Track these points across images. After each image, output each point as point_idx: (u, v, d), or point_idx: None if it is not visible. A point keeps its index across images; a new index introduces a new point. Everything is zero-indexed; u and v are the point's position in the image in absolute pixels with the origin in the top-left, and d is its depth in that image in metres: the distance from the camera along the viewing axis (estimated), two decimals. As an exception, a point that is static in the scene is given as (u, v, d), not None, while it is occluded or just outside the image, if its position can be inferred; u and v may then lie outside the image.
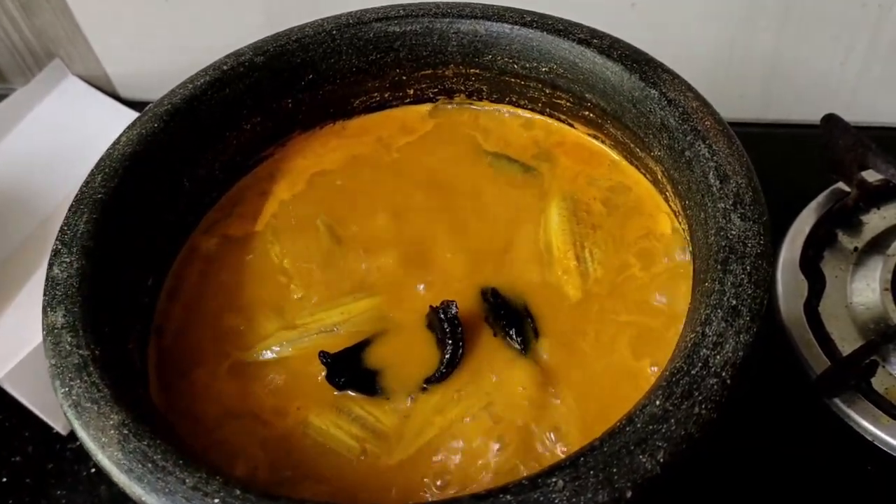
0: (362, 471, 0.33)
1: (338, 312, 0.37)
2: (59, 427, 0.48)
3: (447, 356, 0.34)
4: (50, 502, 0.45)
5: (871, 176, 0.50)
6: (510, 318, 0.36)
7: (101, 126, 0.60)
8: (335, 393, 0.35)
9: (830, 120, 0.51)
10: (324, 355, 0.35)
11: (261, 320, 0.38)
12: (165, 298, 0.39)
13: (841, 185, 0.51)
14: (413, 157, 0.44)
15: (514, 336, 0.35)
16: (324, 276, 0.39)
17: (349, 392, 0.35)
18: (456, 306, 0.34)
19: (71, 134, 0.64)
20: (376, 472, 0.33)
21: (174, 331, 0.38)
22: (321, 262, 0.40)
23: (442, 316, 0.34)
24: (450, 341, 0.34)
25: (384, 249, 0.40)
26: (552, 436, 0.33)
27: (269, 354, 0.37)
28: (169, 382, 0.36)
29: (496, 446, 0.33)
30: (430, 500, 0.32)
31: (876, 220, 0.50)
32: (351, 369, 0.35)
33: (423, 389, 0.34)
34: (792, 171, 0.52)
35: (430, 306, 0.35)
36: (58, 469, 0.47)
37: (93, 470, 0.46)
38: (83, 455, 0.45)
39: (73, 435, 0.47)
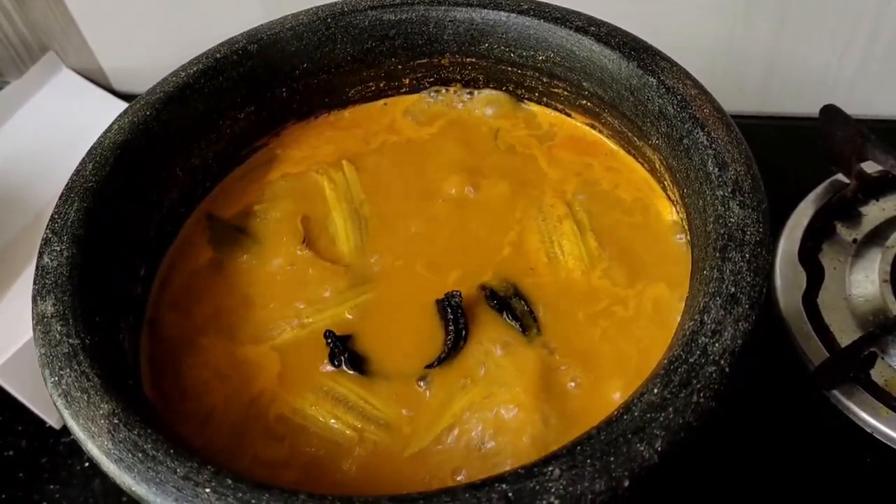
0: (371, 461, 0.33)
1: (345, 308, 0.37)
2: (53, 421, 0.47)
3: (449, 341, 0.35)
4: (43, 497, 0.45)
5: (870, 167, 0.50)
6: (505, 304, 0.36)
7: (96, 119, 0.59)
8: (333, 370, 0.35)
9: (829, 111, 0.50)
10: (329, 334, 0.35)
11: (257, 314, 0.37)
12: (159, 288, 0.39)
13: (840, 176, 0.51)
14: (402, 154, 0.44)
15: (510, 319, 0.36)
16: (314, 271, 0.39)
17: (348, 371, 0.35)
18: (460, 295, 0.35)
19: (65, 127, 0.63)
20: (387, 463, 0.33)
21: (168, 321, 0.38)
22: (310, 258, 0.39)
23: (447, 304, 0.35)
24: (451, 328, 0.35)
25: (380, 246, 0.39)
26: (561, 419, 0.33)
27: (267, 347, 0.36)
28: (163, 374, 0.36)
29: (506, 433, 0.33)
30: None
31: (875, 212, 0.50)
32: (353, 351, 0.36)
33: (425, 375, 0.34)
34: (791, 163, 0.52)
35: (436, 300, 0.36)
36: (51, 463, 0.46)
37: (86, 464, 0.46)
38: (77, 449, 0.45)
39: (66, 429, 0.46)
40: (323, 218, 0.41)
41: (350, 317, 0.37)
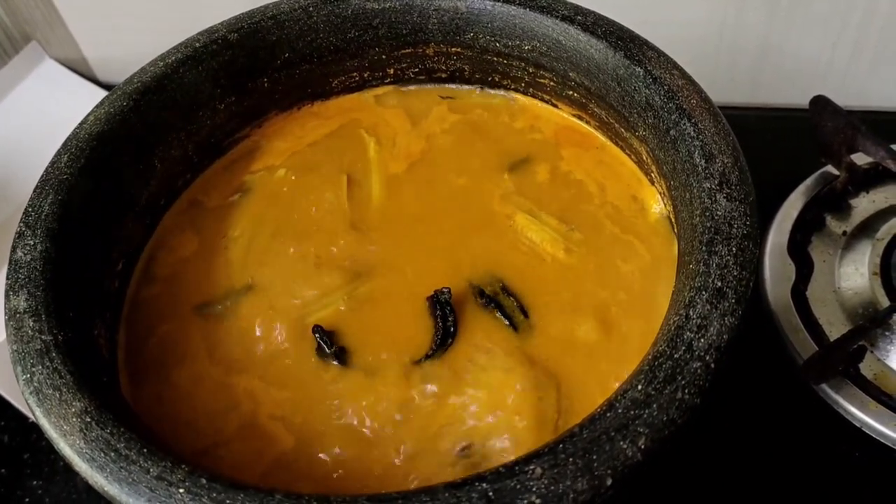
0: (359, 460, 0.32)
1: (337, 301, 0.37)
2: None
3: (438, 337, 0.35)
4: (25, 493, 0.45)
5: (860, 159, 0.49)
6: (493, 302, 0.36)
7: (79, 110, 0.59)
8: (322, 365, 0.35)
9: (819, 102, 0.50)
10: (317, 329, 0.35)
11: (243, 305, 0.37)
12: (137, 282, 0.38)
13: (830, 168, 0.50)
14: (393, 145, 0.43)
15: (500, 316, 0.35)
16: (307, 263, 0.38)
17: (336, 364, 0.34)
18: (449, 292, 0.35)
19: (48, 118, 0.63)
20: (376, 462, 0.32)
21: (147, 316, 0.37)
22: (299, 255, 0.39)
23: (436, 301, 0.35)
24: (440, 324, 0.35)
25: (366, 239, 0.39)
26: (556, 416, 0.32)
27: (253, 340, 0.36)
28: (141, 370, 0.35)
29: (499, 432, 0.32)
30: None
31: (865, 204, 0.49)
32: (340, 345, 0.35)
33: (416, 366, 0.34)
34: (780, 154, 0.52)
35: (427, 297, 0.35)
36: (34, 459, 0.46)
37: (68, 460, 0.45)
38: (58, 445, 0.45)
39: (46, 424, 0.46)
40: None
41: (342, 309, 0.36)
